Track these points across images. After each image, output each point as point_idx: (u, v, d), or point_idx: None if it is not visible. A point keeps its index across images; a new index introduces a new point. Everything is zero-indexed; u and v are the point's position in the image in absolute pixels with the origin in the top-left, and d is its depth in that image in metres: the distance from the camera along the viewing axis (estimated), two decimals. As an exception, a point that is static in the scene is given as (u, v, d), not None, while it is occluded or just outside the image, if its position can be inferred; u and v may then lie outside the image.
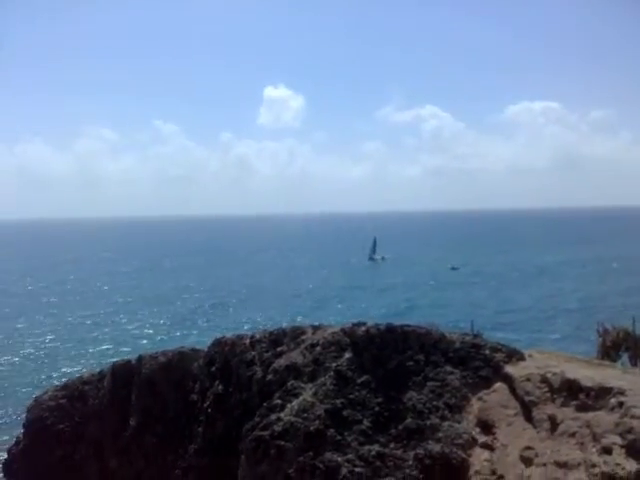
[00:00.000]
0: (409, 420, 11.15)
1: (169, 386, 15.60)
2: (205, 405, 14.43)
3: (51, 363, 44.74)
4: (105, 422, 16.57)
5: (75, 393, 17.54)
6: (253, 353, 14.04)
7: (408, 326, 12.66)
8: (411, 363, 11.96)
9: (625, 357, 13.77)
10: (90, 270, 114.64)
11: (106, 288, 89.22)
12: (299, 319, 49.66)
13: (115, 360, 18.17)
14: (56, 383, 21.64)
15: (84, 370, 18.91)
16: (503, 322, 57.50)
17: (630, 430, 7.78)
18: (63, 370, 39.55)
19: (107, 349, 48.25)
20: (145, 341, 50.55)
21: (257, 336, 14.49)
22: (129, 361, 17.06)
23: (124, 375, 16.67)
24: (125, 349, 44.87)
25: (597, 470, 7.82)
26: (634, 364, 13.27)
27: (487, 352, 11.91)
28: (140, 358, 16.58)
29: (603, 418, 8.53)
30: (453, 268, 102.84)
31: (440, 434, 10.79)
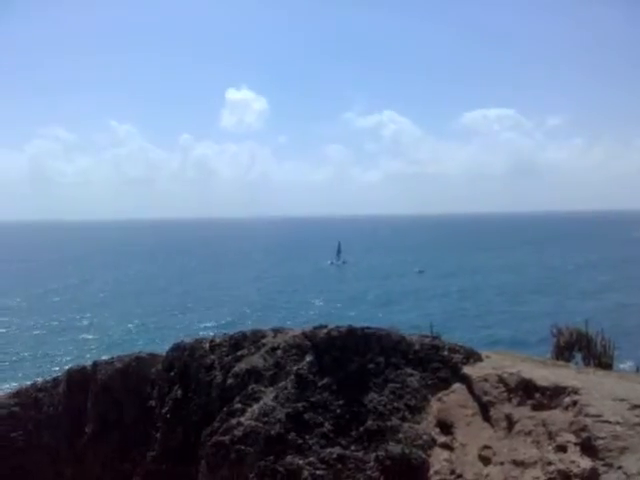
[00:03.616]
0: (370, 422, 11.17)
1: (126, 392, 15.25)
2: (163, 411, 14.17)
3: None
4: (60, 430, 16.12)
5: (28, 400, 16.99)
6: (213, 357, 13.86)
7: (369, 328, 12.70)
8: (372, 365, 11.99)
9: (578, 357, 14.13)
10: (49, 274, 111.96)
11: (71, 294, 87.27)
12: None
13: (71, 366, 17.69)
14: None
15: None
16: (479, 324, 58.07)
17: (584, 428, 7.96)
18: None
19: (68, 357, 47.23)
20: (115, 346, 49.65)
21: (217, 340, 14.31)
22: (84, 367, 16.60)
23: (79, 382, 16.21)
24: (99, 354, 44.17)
25: (553, 468, 7.96)
26: (587, 364, 13.62)
27: (445, 353, 12.04)
28: (95, 364, 16.17)
29: (558, 417, 8.71)
30: (420, 271, 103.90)
31: (400, 435, 10.85)
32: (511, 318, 62.16)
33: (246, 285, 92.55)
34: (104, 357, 17.34)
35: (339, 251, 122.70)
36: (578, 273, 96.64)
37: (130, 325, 64.40)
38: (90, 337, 59.56)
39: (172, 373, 14.54)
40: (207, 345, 14.28)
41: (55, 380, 17.27)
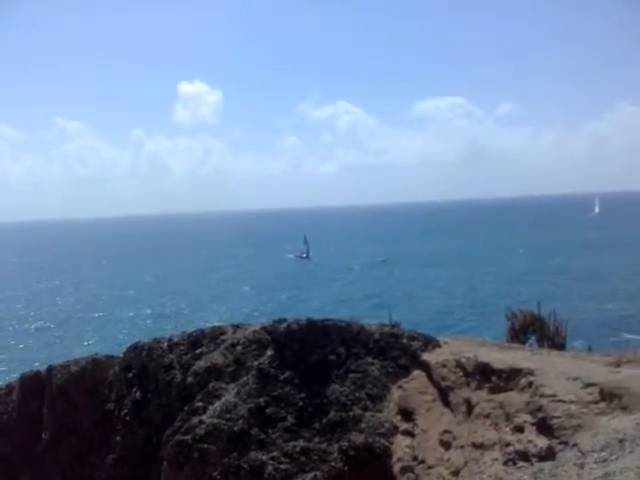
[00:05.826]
0: (332, 413, 11.23)
1: (83, 396, 14.91)
2: (122, 413, 13.91)
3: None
4: (15, 438, 15.70)
5: (-20, 409, 16.48)
6: (172, 356, 13.67)
7: (329, 320, 12.74)
8: (333, 357, 12.04)
9: (533, 339, 14.47)
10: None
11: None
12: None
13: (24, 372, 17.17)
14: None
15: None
16: (455, 317, 58.10)
17: (539, 408, 8.15)
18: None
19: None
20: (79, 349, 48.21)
21: (175, 339, 14.12)
22: (38, 372, 16.17)
23: (34, 387, 15.80)
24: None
25: (511, 449, 8.14)
26: (541, 345, 13.97)
27: (405, 341, 12.17)
28: (50, 368, 15.75)
29: (514, 398, 8.90)
30: (382, 261, 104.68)
31: (363, 425, 10.95)
32: (487, 309, 62.26)
33: (223, 285, 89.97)
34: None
35: (305, 244, 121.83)
36: (543, 258, 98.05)
37: (103, 334, 62.39)
38: (59, 342, 57.77)
39: (130, 374, 14.28)
40: (165, 344, 14.07)
41: (8, 386, 16.79)
